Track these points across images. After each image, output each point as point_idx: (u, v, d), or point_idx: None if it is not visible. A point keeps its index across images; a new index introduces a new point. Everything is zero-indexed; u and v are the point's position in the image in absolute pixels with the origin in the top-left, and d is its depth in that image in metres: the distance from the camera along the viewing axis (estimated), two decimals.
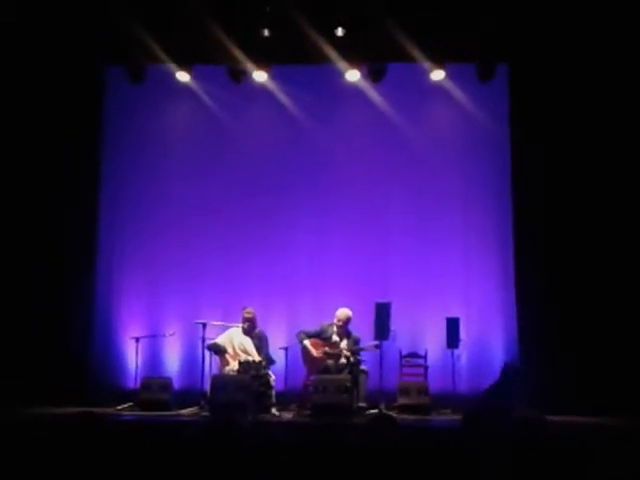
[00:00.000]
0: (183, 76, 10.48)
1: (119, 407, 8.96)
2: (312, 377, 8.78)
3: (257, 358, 8.96)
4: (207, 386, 8.79)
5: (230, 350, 9.11)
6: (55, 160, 10.23)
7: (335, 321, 9.32)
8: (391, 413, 8.39)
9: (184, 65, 10.38)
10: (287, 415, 8.73)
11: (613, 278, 9.51)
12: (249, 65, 10.18)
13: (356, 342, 9.26)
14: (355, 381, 8.74)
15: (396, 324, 8.92)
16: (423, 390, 9.03)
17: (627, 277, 9.49)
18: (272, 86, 10.51)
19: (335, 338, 9.29)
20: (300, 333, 9.31)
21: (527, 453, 3.61)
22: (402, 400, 8.95)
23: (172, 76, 10.46)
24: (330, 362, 9.03)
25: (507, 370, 7.70)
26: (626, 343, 9.26)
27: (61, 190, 10.22)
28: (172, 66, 10.33)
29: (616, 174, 9.68)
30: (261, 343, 9.24)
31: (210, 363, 9.27)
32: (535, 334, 9.68)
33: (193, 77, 10.54)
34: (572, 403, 8.40)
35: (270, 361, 9.18)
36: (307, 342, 9.21)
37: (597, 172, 9.73)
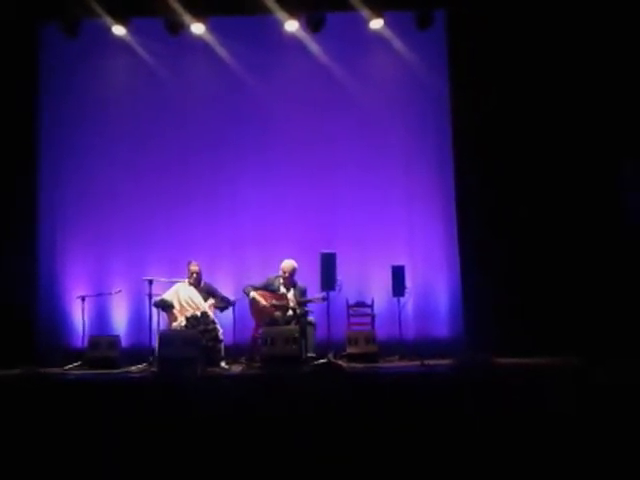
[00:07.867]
0: (119, 30, 10.26)
1: (67, 367, 8.91)
2: (260, 330, 8.83)
3: (206, 309, 8.97)
4: (155, 342, 8.79)
5: (177, 305, 9.05)
6: None
7: (281, 273, 9.37)
8: (339, 362, 8.51)
9: (120, 18, 10.14)
10: (237, 368, 8.78)
11: (555, 219, 9.67)
12: (186, 17, 10.01)
13: (302, 292, 9.33)
14: (303, 332, 8.82)
15: (342, 274, 8.96)
16: (370, 338, 9.11)
17: (569, 218, 9.65)
18: (210, 38, 10.37)
19: (282, 290, 9.34)
20: (246, 287, 9.32)
21: (474, 396, 3.68)
22: (350, 349, 9.03)
23: (108, 30, 10.24)
24: (278, 314, 9.10)
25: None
26: (569, 283, 9.44)
27: None
28: (108, 20, 10.08)
29: (555, 118, 9.78)
30: (209, 292, 9.29)
31: (158, 319, 9.26)
32: (478, 279, 9.82)
33: (129, 31, 10.33)
34: (516, 345, 8.54)
35: (228, 302, 9.26)
36: (254, 294, 9.24)
37: (536, 117, 9.83)
